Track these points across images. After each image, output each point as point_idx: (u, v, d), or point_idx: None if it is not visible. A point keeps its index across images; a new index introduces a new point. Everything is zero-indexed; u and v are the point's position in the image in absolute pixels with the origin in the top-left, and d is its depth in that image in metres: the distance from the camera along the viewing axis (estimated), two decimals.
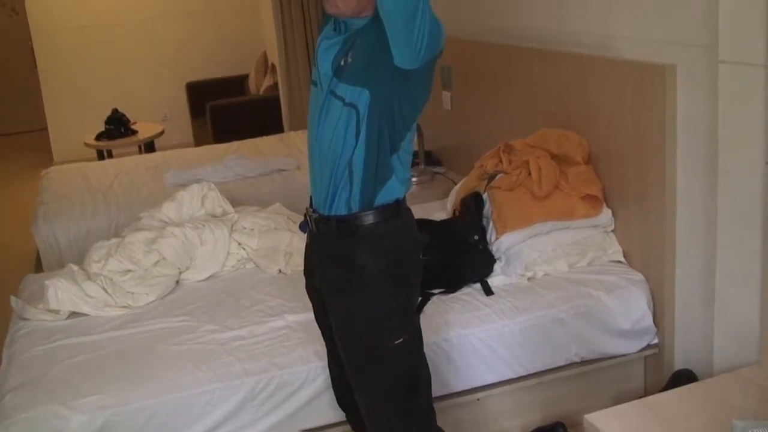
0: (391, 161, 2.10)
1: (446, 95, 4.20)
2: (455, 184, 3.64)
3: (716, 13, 2.21)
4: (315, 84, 2.16)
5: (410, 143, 2.15)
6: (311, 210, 2.22)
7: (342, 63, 2.07)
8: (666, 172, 2.68)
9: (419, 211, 3.24)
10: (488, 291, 2.84)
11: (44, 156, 7.97)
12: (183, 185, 4.16)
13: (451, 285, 2.87)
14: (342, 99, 2.05)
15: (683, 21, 2.58)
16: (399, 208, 2.16)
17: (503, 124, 3.66)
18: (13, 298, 3.04)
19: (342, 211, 2.12)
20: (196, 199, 3.51)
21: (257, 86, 7.40)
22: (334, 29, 2.16)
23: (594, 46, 3.03)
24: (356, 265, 2.13)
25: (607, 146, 2.97)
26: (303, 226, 2.30)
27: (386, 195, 2.12)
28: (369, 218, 2.11)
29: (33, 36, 7.74)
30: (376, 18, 1.98)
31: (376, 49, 1.99)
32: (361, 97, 2.02)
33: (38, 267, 4.14)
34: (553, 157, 3.09)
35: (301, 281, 2.38)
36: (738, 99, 2.17)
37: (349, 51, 2.06)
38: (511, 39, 3.59)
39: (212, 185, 3.61)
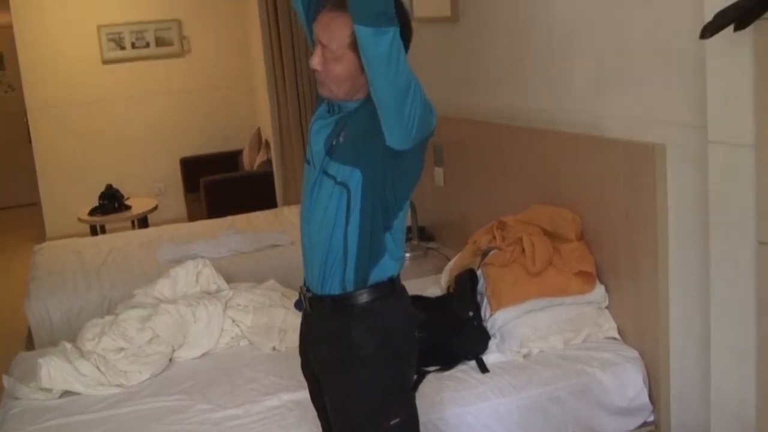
0: (384, 240, 2.11)
1: (439, 171, 4.24)
2: (449, 259, 3.66)
3: (704, 94, 2.26)
4: (308, 162, 2.19)
5: (403, 221, 2.17)
6: (305, 289, 2.23)
7: (334, 143, 2.10)
8: (658, 249, 2.71)
9: (413, 287, 3.24)
10: (483, 368, 2.83)
11: (37, 231, 7.96)
12: (177, 261, 4.17)
13: (446, 362, 2.86)
14: (334, 178, 2.08)
15: (672, 101, 2.64)
16: (393, 285, 2.17)
17: (496, 201, 3.69)
18: (4, 377, 3.01)
19: (336, 290, 2.12)
20: (190, 276, 3.51)
21: (251, 162, 7.45)
22: (328, 110, 2.19)
23: (584, 125, 3.09)
24: (351, 344, 2.12)
25: (599, 223, 3.00)
26: (298, 305, 2.30)
27: (380, 273, 2.13)
28: (363, 297, 2.12)
29: (28, 112, 7.81)
30: (368, 100, 2.02)
31: (368, 130, 2.02)
32: (353, 176, 2.05)
33: (29, 344, 4.10)
34: (546, 233, 3.11)
35: (296, 359, 2.37)
36: (728, 179, 2.21)
37: (341, 131, 2.10)
38: (502, 117, 3.65)
39: (207, 262, 3.62)
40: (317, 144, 2.15)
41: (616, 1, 2.85)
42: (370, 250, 2.09)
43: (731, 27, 1.98)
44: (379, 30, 1.83)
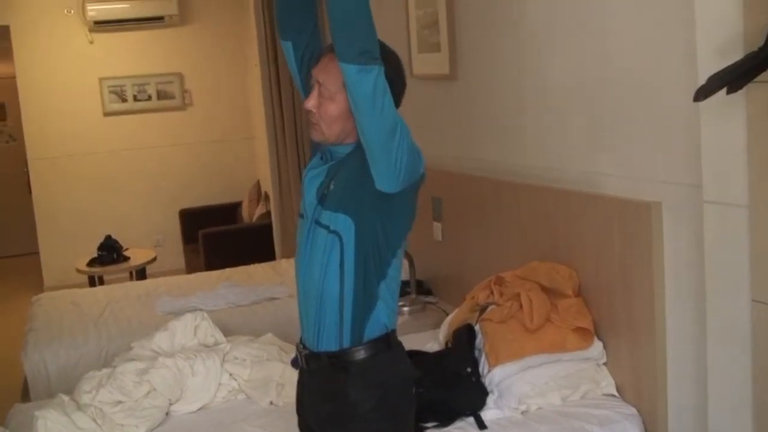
0: (378, 290, 2.13)
1: (437, 226, 4.27)
2: (447, 314, 3.67)
3: (699, 153, 2.30)
4: (302, 216, 2.23)
5: (397, 271, 2.19)
6: (301, 346, 2.24)
7: (325, 191, 2.15)
8: (655, 306, 2.72)
9: (411, 342, 3.25)
10: (481, 425, 2.82)
11: (35, 280, 7.96)
12: (174, 313, 4.18)
13: (445, 418, 2.85)
14: (326, 227, 2.12)
15: (667, 160, 2.68)
16: (389, 341, 2.18)
17: (493, 256, 3.71)
18: (0, 429, 3.00)
19: (332, 346, 2.14)
20: (188, 329, 3.51)
21: (250, 214, 7.49)
22: (321, 158, 2.26)
23: (580, 182, 3.12)
24: (348, 401, 2.13)
25: (596, 279, 3.02)
26: (294, 363, 2.31)
27: (376, 327, 2.14)
28: (360, 353, 2.13)
29: (29, 162, 7.87)
30: (359, 146, 2.08)
31: (359, 176, 2.08)
32: (345, 223, 2.09)
33: (26, 396, 4.08)
34: (544, 289, 3.13)
35: (294, 414, 2.37)
36: (723, 238, 2.24)
37: (332, 179, 2.16)
38: (500, 173, 3.69)
39: (205, 315, 3.62)
40: (310, 194, 2.20)
41: (612, 61, 2.90)
42: (365, 300, 2.12)
43: (724, 89, 2.02)
44: (364, 68, 1.91)
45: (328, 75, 2.10)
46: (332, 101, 2.10)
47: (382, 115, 1.95)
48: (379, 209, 2.08)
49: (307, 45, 2.24)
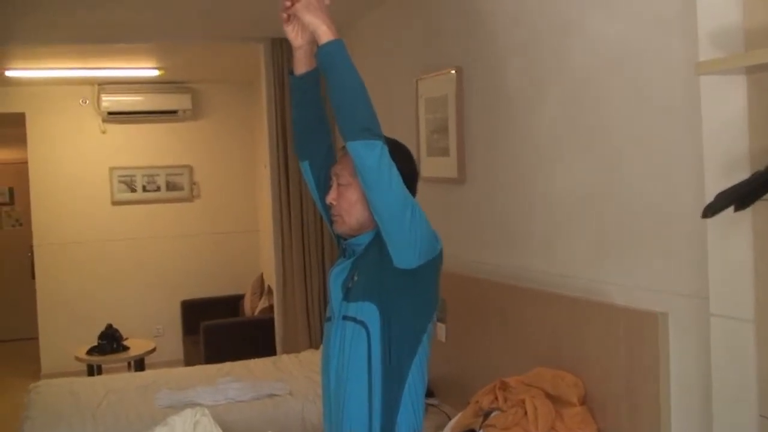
0: (406, 386, 2.16)
1: (441, 327, 4.27)
2: (449, 417, 3.63)
3: (706, 265, 2.32)
4: (329, 319, 2.28)
5: (424, 364, 2.22)
6: None
7: (350, 285, 2.23)
8: (660, 418, 2.70)
9: None
10: None
11: (32, 366, 7.90)
12: (173, 407, 4.13)
13: None
14: (353, 319, 2.18)
15: (674, 271, 2.70)
16: None
17: (498, 360, 3.70)
18: None
19: None
20: (188, 425, 3.47)
21: (252, 307, 7.48)
22: (344, 255, 2.35)
23: (586, 289, 3.14)
24: None
25: (601, 389, 3.00)
26: None
27: (404, 427, 2.15)
28: None
29: (35, 247, 7.91)
30: (377, 235, 2.18)
31: (379, 262, 2.15)
32: (370, 311, 2.15)
33: None
34: (548, 396, 3.11)
35: None
36: (730, 352, 2.24)
37: (355, 272, 2.24)
38: (506, 277, 3.71)
39: (206, 411, 3.58)
40: (335, 291, 2.27)
41: (619, 171, 2.95)
42: (394, 398, 2.14)
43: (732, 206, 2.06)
44: (368, 143, 2.03)
45: (343, 165, 2.26)
46: (349, 187, 2.25)
47: (391, 189, 2.05)
48: (402, 291, 2.14)
49: (322, 165, 2.42)
